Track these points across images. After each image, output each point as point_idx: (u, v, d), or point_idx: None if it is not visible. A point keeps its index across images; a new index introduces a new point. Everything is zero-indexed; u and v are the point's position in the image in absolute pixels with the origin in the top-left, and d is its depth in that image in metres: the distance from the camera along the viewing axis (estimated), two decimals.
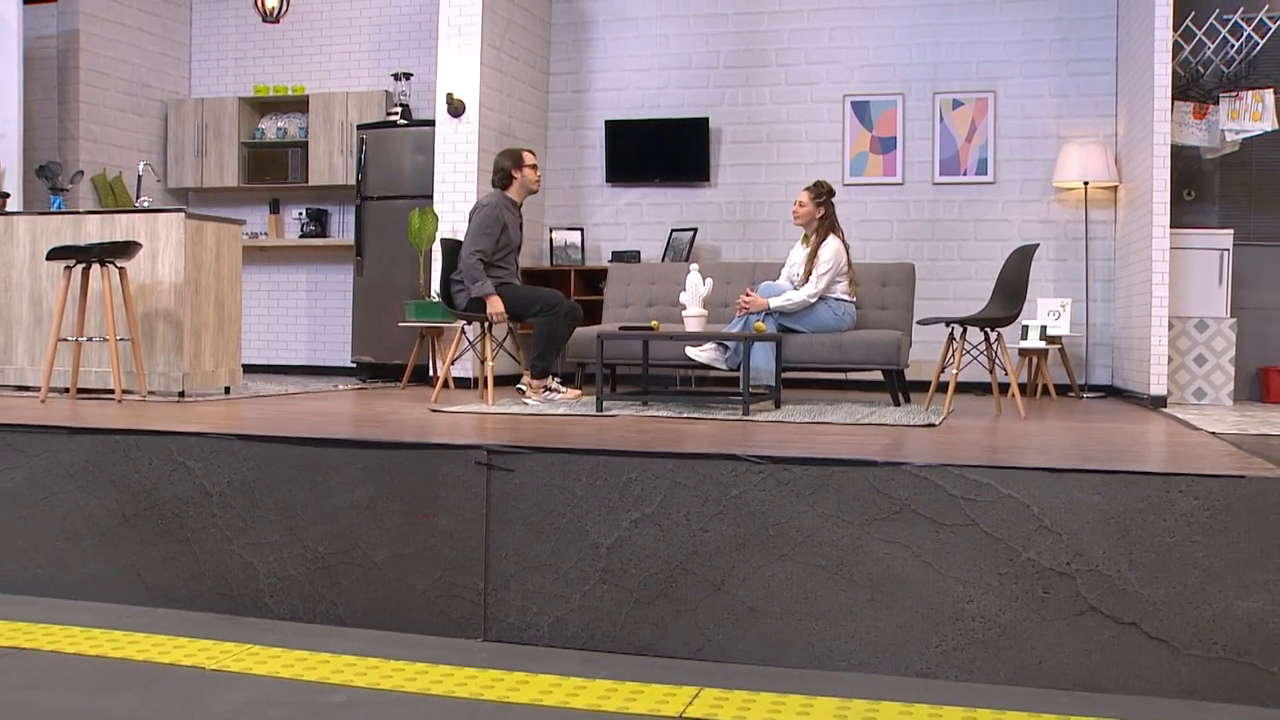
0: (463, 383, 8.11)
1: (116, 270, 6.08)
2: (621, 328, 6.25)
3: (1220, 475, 3.49)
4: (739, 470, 3.81)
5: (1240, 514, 3.45)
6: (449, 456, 4.08)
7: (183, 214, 6.36)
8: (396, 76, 9.06)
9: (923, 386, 7.98)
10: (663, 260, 8.90)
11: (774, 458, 3.80)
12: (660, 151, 9.06)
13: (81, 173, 7.36)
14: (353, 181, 9.20)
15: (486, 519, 4.01)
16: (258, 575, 4.23)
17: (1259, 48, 7.53)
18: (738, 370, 6.73)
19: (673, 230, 8.97)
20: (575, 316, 6.56)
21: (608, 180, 9.24)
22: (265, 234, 9.73)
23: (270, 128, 9.72)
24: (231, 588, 4.26)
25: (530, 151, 6.63)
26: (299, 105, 9.66)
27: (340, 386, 7.95)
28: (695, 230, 8.91)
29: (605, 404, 5.87)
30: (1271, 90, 7.44)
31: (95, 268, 6.13)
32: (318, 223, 9.59)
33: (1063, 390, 8.36)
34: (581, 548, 3.92)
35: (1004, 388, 6.22)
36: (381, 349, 8.67)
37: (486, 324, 6.40)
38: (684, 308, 6.16)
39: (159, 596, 4.35)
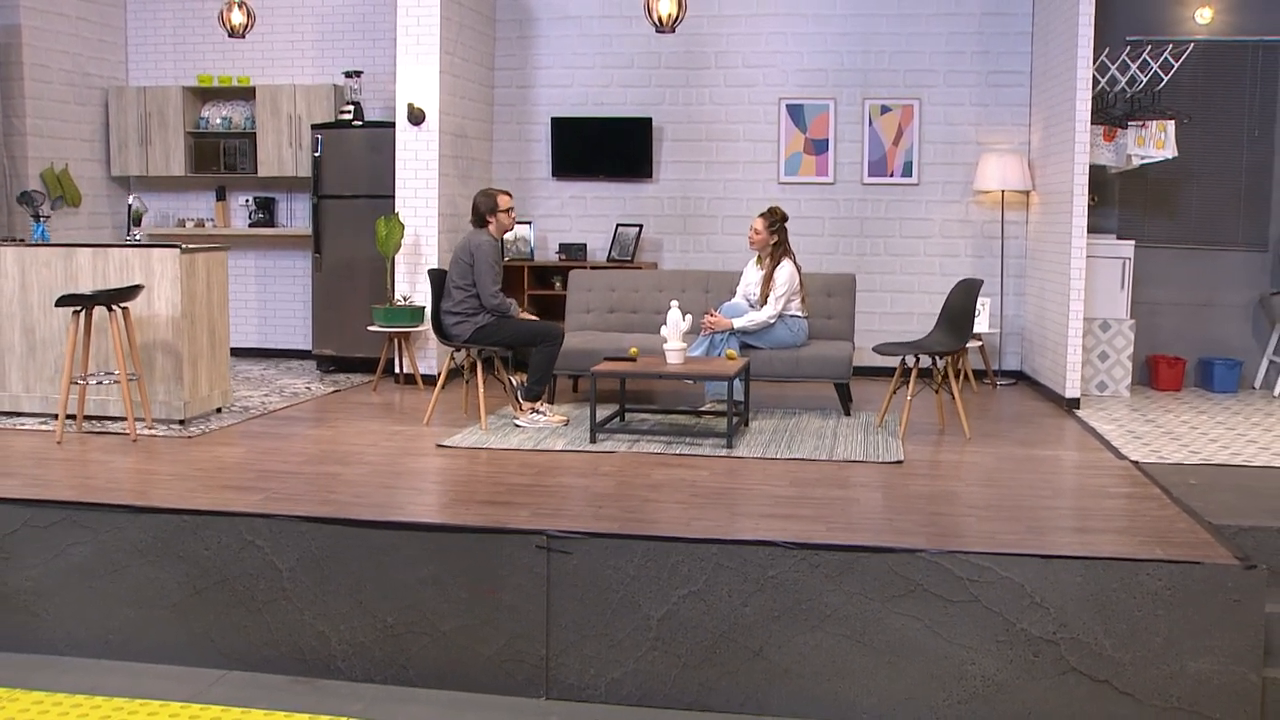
0: (430, 379, 8.39)
1: (120, 311, 6.26)
2: (607, 358, 6.76)
3: (1180, 561, 4.24)
4: (776, 554, 4.40)
5: (1195, 593, 4.20)
6: (510, 541, 4.57)
7: (178, 250, 6.55)
8: (348, 74, 9.15)
9: (867, 372, 8.65)
10: (609, 253, 9.32)
11: (807, 544, 4.41)
12: (605, 148, 9.41)
13: (62, 198, 7.39)
14: (302, 173, 9.33)
15: (548, 595, 4.52)
16: (329, 642, 4.67)
17: (1164, 83, 8.25)
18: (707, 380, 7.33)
19: (618, 225, 9.38)
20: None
21: (554, 174, 9.56)
22: (212, 221, 9.79)
23: (214, 115, 9.72)
24: (304, 653, 4.69)
25: (506, 194, 6.95)
26: (243, 94, 9.68)
27: (311, 388, 8.26)
28: (641, 226, 9.35)
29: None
30: (1174, 121, 8.19)
31: (100, 308, 6.31)
32: (266, 210, 9.69)
33: (979, 375, 9.13)
34: (634, 619, 4.47)
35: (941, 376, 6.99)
36: (342, 342, 8.95)
37: (478, 351, 6.82)
38: (665, 340, 6.67)
39: (234, 660, 4.74)
